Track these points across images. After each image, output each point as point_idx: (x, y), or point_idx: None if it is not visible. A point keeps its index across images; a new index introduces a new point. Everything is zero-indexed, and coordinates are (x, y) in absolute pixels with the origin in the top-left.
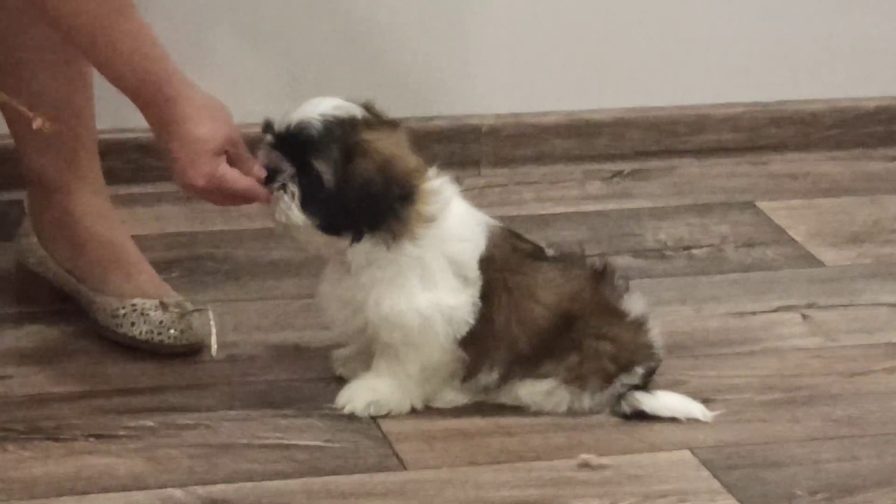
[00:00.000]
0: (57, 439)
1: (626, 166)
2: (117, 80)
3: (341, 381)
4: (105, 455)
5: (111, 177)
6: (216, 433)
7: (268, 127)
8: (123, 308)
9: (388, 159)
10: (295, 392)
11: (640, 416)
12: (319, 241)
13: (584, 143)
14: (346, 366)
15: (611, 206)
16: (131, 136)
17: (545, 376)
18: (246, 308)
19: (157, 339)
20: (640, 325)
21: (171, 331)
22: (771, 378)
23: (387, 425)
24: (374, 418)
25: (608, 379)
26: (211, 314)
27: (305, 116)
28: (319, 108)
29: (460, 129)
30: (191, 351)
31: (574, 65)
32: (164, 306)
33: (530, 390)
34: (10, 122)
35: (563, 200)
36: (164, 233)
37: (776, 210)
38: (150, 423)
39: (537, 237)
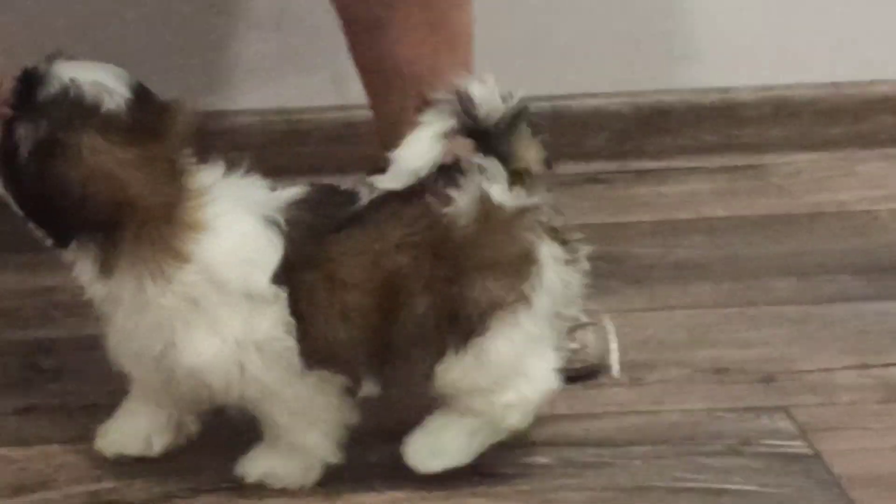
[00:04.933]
0: None
1: None
2: None
3: (793, 411)
4: (494, 497)
5: None
6: (626, 473)
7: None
8: None
9: (94, 176)
10: (718, 424)
11: None
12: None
13: None
14: None
15: None
16: None
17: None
18: (650, 320)
19: None
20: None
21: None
22: None
23: (840, 465)
24: (822, 457)
25: None
26: (610, 326)
27: (56, 72)
28: (84, 72)
29: None
30: (586, 374)
31: None
32: None
33: None
34: None
35: None
36: None
37: None
38: (544, 459)
39: None
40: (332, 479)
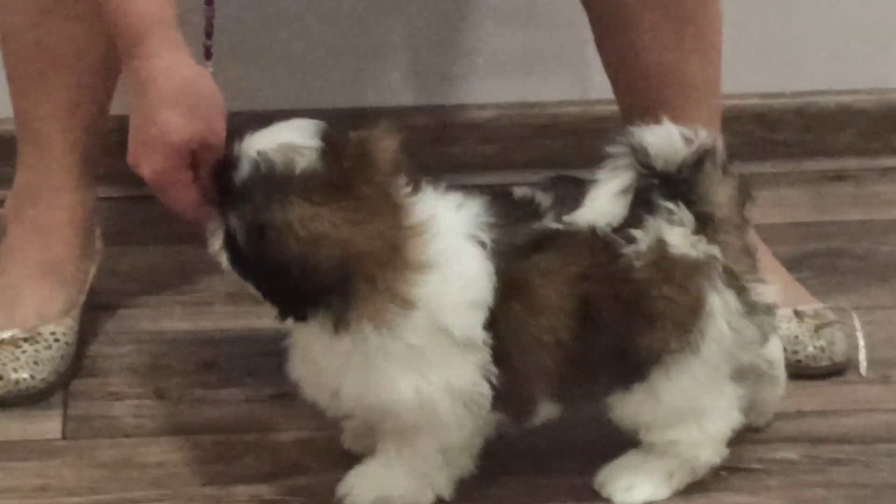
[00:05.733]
0: None
1: None
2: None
3: None
4: (742, 492)
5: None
6: (874, 471)
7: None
8: None
9: (314, 245)
10: None
11: None
12: (256, 294)
13: None
14: (358, 440)
15: None
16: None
17: None
18: None
19: (791, 358)
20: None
21: (809, 348)
22: None
23: None
24: None
25: None
26: (857, 323)
27: (243, 151)
28: (264, 141)
29: None
30: (834, 371)
31: None
32: (798, 316)
33: None
34: None
35: None
36: (788, 222)
37: None
38: (791, 455)
39: None
40: None
